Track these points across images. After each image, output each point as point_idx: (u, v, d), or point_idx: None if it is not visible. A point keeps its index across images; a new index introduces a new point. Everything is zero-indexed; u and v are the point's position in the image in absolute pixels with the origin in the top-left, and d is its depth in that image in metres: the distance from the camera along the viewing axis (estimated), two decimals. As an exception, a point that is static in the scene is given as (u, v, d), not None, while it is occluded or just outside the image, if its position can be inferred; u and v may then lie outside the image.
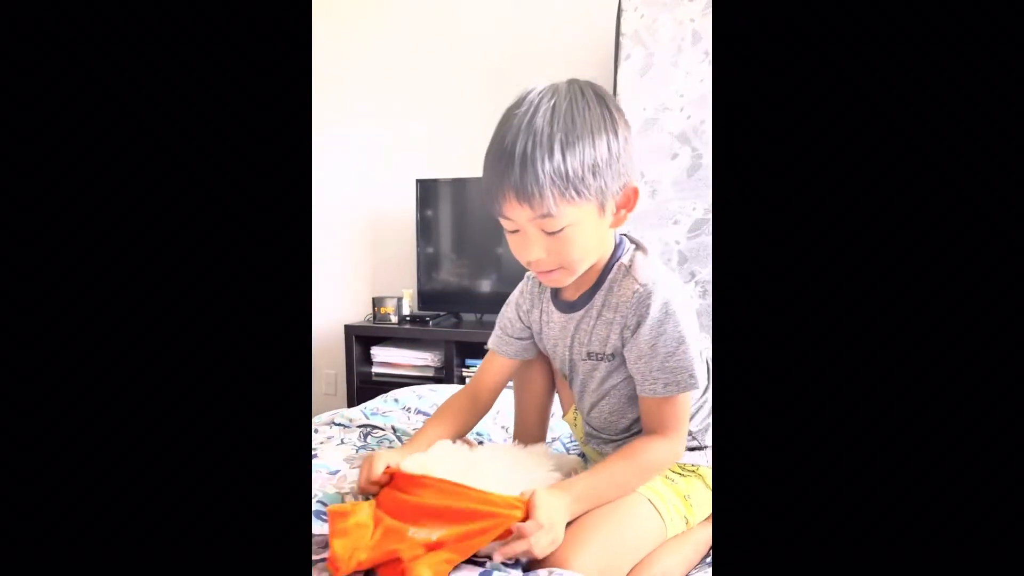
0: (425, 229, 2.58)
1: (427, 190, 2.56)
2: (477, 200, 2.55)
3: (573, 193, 0.74)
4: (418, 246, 2.58)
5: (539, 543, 0.70)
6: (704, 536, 0.88)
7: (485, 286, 2.55)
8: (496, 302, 2.49)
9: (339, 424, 1.31)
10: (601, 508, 0.80)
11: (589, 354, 0.91)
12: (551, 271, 0.82)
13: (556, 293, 0.95)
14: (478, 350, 2.49)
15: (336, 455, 1.13)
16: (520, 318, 1.01)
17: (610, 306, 0.86)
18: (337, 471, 1.04)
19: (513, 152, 0.73)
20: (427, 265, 2.59)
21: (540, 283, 0.99)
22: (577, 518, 0.77)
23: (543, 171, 0.72)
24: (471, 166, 2.68)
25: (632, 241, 0.90)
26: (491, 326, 2.57)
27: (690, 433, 0.92)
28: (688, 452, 0.92)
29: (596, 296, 0.88)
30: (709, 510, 0.90)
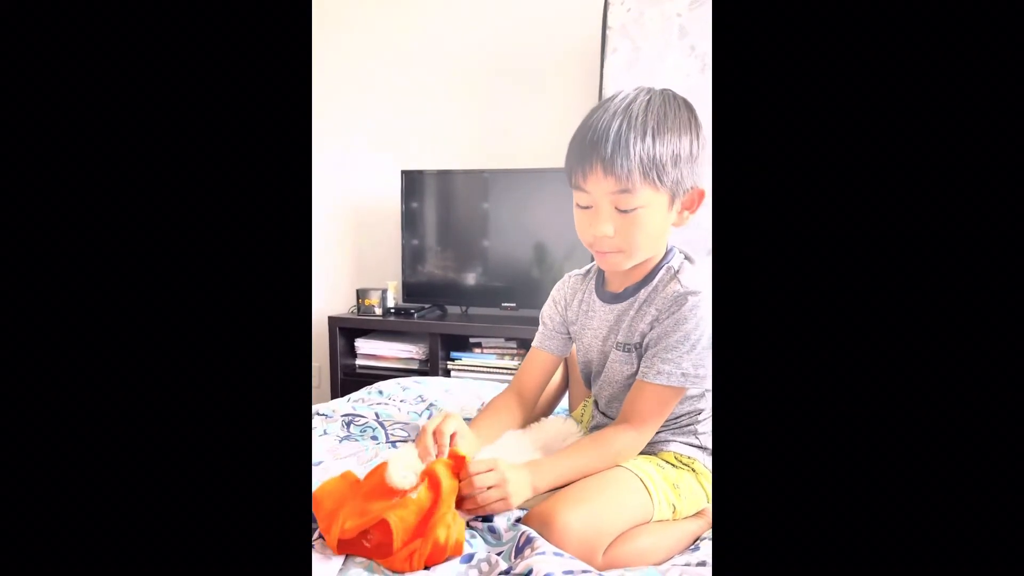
0: (410, 221, 2.57)
1: (412, 182, 2.55)
2: (463, 192, 2.54)
3: (655, 176, 0.82)
4: (403, 238, 2.57)
5: (487, 496, 0.78)
6: (690, 529, 0.90)
7: (470, 279, 2.54)
8: (481, 295, 2.54)
9: (321, 414, 1.30)
10: (594, 476, 0.86)
11: (619, 344, 0.95)
12: (610, 253, 0.88)
13: (601, 284, 1.01)
14: (463, 343, 2.49)
15: (318, 446, 1.12)
16: (558, 312, 1.06)
17: (651, 302, 0.92)
18: (320, 462, 1.04)
19: (608, 131, 0.81)
20: (412, 257, 2.58)
21: (584, 277, 1.05)
22: (570, 483, 0.85)
23: (634, 149, 0.80)
24: (457, 158, 2.67)
25: (681, 252, 0.96)
26: (476, 319, 2.59)
27: (695, 434, 0.97)
28: (686, 446, 0.96)
29: (641, 291, 0.94)
30: (698, 505, 0.93)
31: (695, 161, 0.84)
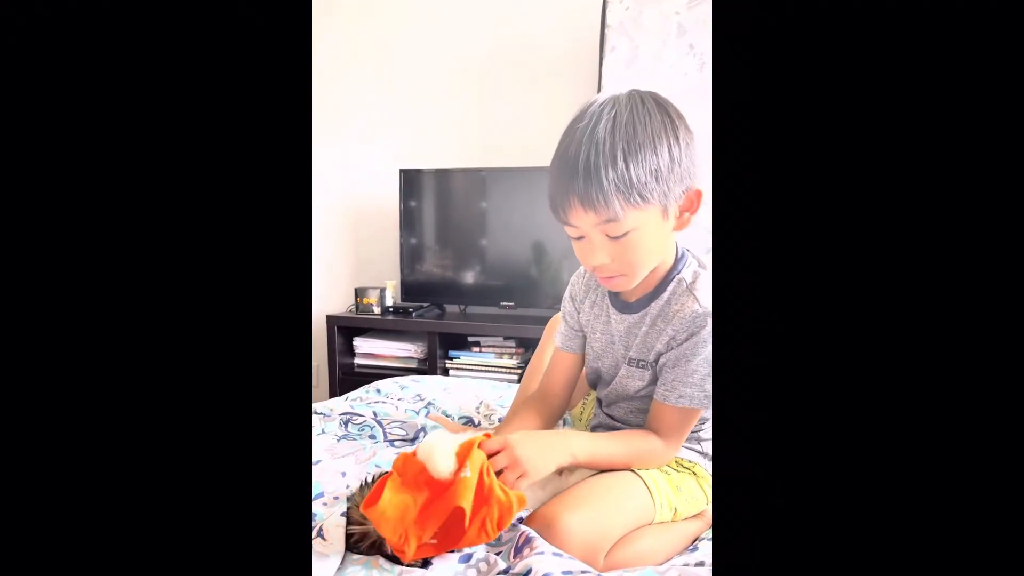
0: (408, 220, 2.56)
1: (411, 180, 2.55)
2: (461, 191, 2.54)
3: (637, 198, 0.76)
4: (401, 237, 2.57)
5: (504, 478, 0.76)
6: (689, 530, 0.90)
7: (469, 277, 2.54)
8: (480, 294, 2.53)
9: (320, 413, 1.30)
10: (597, 478, 0.85)
11: (631, 360, 0.93)
12: (613, 277, 0.85)
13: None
14: (462, 341, 2.49)
15: (317, 445, 1.12)
16: (575, 309, 1.03)
17: (665, 317, 0.88)
18: (318, 461, 1.03)
19: (577, 163, 0.76)
20: (410, 256, 2.58)
21: None
22: (574, 486, 0.83)
23: (607, 179, 0.75)
24: (455, 156, 2.67)
25: (695, 257, 0.92)
26: (475, 318, 2.59)
27: (699, 440, 0.96)
28: (688, 451, 0.96)
29: (653, 304, 0.90)
30: (698, 507, 0.93)
31: (680, 165, 0.79)
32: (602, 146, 0.76)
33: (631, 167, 0.75)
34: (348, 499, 0.83)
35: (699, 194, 0.83)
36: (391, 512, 0.72)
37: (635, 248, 0.81)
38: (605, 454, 0.86)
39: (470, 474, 0.72)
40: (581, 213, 0.78)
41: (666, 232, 0.84)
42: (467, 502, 0.70)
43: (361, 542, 0.75)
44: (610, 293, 0.97)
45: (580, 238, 0.83)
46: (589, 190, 0.76)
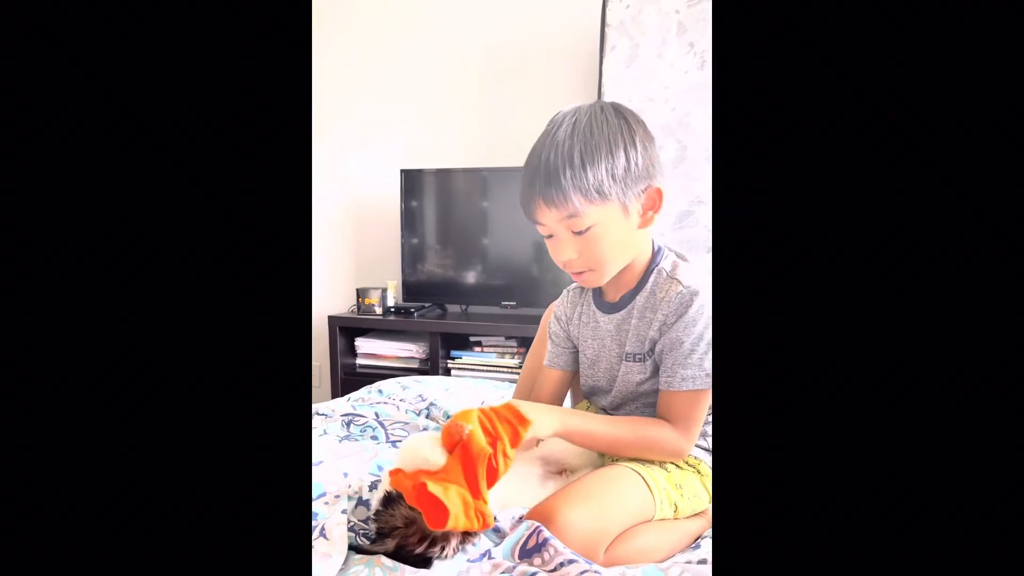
0: (410, 220, 2.56)
1: (412, 180, 2.55)
2: (462, 191, 2.54)
3: (595, 195, 0.83)
4: (402, 237, 2.57)
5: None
6: (691, 528, 0.90)
7: (470, 277, 2.54)
8: (481, 293, 2.54)
9: (321, 414, 1.30)
10: (597, 474, 0.87)
11: (627, 355, 0.96)
12: (583, 272, 0.91)
13: (598, 294, 1.02)
14: (463, 341, 2.49)
15: (319, 446, 1.12)
16: (562, 328, 1.08)
17: (652, 307, 0.92)
18: (320, 462, 1.03)
19: (539, 164, 0.85)
20: (412, 256, 2.58)
21: (582, 290, 1.06)
22: (573, 482, 0.85)
23: (564, 178, 0.83)
24: (456, 156, 2.67)
25: (671, 251, 0.97)
26: (476, 317, 2.59)
27: (704, 435, 0.96)
28: (695, 448, 0.95)
29: (637, 297, 0.95)
30: (700, 506, 0.93)
31: (637, 166, 0.84)
32: (561, 148, 0.83)
33: (588, 167, 0.82)
34: (375, 515, 0.81)
35: (660, 192, 0.88)
36: (456, 509, 0.71)
37: (598, 243, 0.87)
38: (604, 432, 0.87)
39: (471, 427, 0.74)
40: (545, 210, 0.85)
41: (630, 229, 0.88)
42: (485, 448, 0.72)
43: (410, 537, 0.74)
44: (595, 298, 1.01)
45: (550, 236, 0.90)
46: (550, 189, 0.83)
